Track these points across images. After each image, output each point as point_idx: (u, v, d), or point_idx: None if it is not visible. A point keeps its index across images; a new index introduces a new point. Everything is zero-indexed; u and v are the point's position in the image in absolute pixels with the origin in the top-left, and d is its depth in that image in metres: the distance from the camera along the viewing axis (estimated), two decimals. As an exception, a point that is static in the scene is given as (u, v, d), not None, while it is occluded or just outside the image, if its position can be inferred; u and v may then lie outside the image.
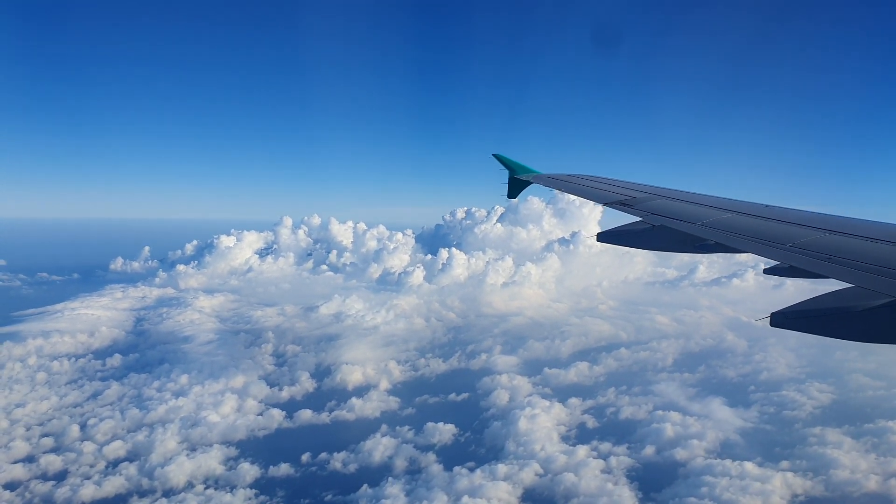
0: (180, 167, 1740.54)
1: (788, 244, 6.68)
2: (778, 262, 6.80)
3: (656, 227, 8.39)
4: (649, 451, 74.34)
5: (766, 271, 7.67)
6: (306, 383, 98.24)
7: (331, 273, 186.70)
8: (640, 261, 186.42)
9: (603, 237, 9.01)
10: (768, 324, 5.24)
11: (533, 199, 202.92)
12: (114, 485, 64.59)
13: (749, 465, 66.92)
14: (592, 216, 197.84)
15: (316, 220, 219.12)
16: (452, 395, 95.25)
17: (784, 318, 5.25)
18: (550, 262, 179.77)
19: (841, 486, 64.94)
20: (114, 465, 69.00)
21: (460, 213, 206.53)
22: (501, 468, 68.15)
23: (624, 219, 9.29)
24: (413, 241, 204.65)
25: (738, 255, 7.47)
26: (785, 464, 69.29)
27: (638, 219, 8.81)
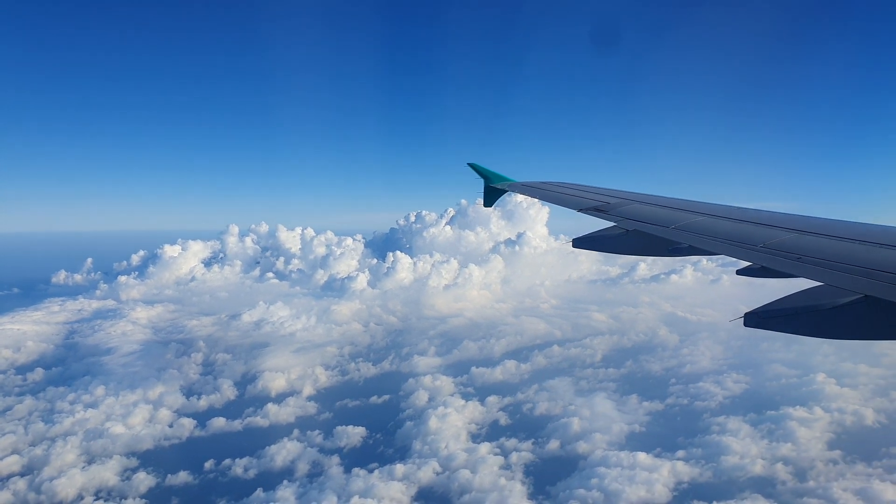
0: (130, 177, 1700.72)
1: (760, 245, 6.75)
2: (750, 264, 6.87)
3: (630, 231, 8.44)
4: (554, 445, 74.81)
5: (738, 272, 7.66)
6: (228, 391, 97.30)
7: (276, 280, 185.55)
8: (585, 260, 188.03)
9: (578, 243, 9.01)
10: (742, 324, 5.27)
11: (481, 202, 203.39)
12: (-2, 500, 63.36)
13: (642, 456, 67.53)
14: (539, 217, 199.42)
15: (264, 228, 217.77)
16: (374, 398, 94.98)
17: (757, 319, 5.30)
18: (496, 264, 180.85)
19: (728, 471, 65.83)
20: (4, 480, 67.62)
21: (412, 218, 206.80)
22: (399, 468, 68.06)
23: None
24: (363, 246, 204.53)
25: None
26: (681, 453, 70.10)
27: (612, 224, 8.86)
